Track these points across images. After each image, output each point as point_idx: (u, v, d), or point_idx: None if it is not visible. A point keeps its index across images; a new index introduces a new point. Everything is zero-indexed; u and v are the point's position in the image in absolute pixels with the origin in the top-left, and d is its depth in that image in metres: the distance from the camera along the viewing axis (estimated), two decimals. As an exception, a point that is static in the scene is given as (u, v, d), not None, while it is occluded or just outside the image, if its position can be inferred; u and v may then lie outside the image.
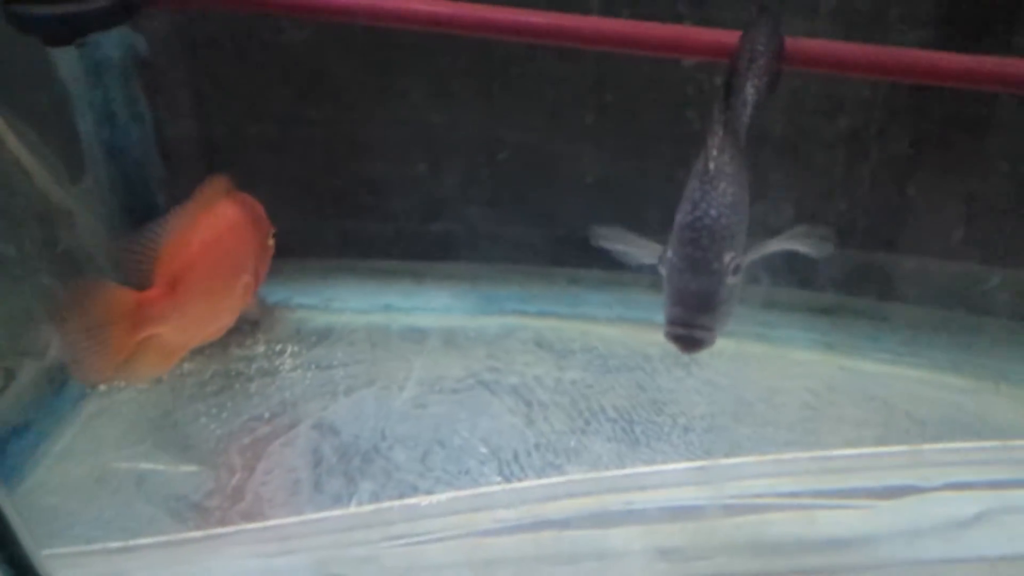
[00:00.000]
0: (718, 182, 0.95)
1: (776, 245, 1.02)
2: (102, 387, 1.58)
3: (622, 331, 1.80)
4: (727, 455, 1.42)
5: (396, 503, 1.30)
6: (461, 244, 1.97)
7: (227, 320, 1.41)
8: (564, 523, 1.24)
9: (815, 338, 1.78)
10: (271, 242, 1.46)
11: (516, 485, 1.33)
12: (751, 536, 1.22)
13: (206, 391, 1.60)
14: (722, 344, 1.74)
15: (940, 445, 1.37)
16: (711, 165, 0.96)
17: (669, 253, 0.93)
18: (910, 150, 1.73)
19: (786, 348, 1.76)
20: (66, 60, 1.65)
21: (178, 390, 1.60)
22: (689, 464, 1.36)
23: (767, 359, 1.73)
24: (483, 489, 1.31)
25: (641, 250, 1.02)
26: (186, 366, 1.66)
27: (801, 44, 1.27)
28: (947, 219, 1.74)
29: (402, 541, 1.21)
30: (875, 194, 1.78)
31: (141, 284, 1.18)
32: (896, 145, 1.73)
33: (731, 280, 0.91)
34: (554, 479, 1.34)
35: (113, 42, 1.74)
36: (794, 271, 1.86)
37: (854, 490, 1.27)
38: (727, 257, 0.90)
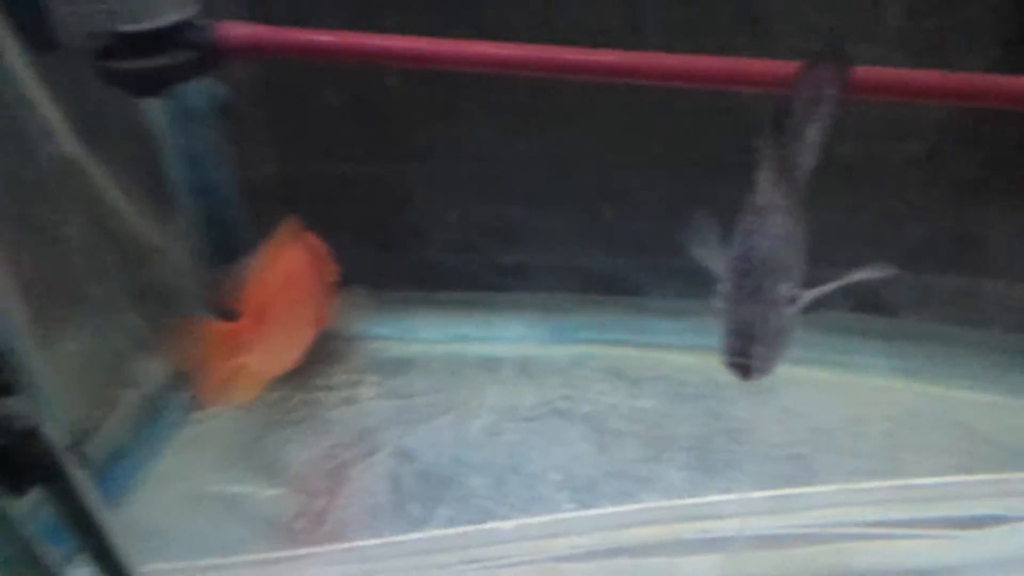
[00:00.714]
0: (770, 215, 0.96)
1: (835, 285, 1.03)
2: (195, 415, 1.66)
3: (695, 359, 1.80)
4: (806, 484, 1.40)
5: (473, 528, 1.33)
6: (533, 274, 2.00)
7: (301, 351, 1.50)
8: (638, 550, 1.25)
9: (895, 365, 1.74)
10: (334, 280, 1.57)
11: (590, 512, 1.34)
12: (829, 566, 1.21)
13: (291, 418, 1.66)
14: (798, 372, 1.76)
15: (1025, 474, 1.33)
16: (762, 199, 0.97)
17: (724, 284, 0.95)
18: (986, 173, 1.69)
19: (865, 375, 1.74)
20: (154, 109, 1.75)
21: (266, 417, 1.67)
22: (767, 493, 1.35)
23: (845, 386, 1.71)
24: (558, 515, 1.33)
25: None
26: (273, 395, 1.73)
27: (867, 73, 1.27)
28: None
29: (478, 565, 1.24)
30: (955, 218, 1.75)
31: (230, 317, 1.29)
32: (972, 168, 1.71)
33: (786, 310, 0.92)
34: (629, 506, 1.35)
35: (198, 91, 1.84)
36: (873, 298, 1.84)
37: (937, 519, 1.25)
38: (781, 288, 0.92)
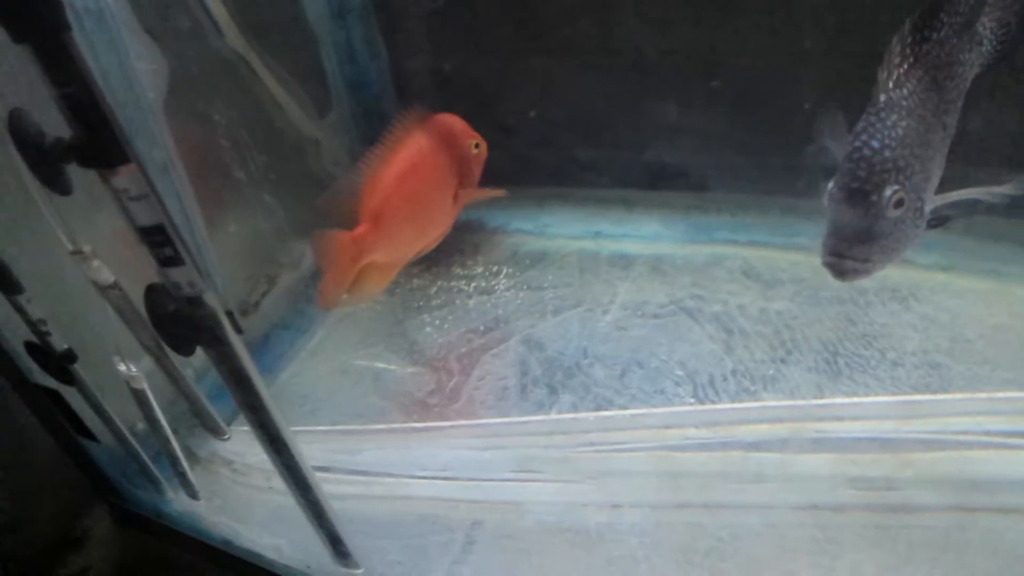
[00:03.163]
0: (888, 114, 0.92)
1: (960, 195, 0.99)
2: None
3: (836, 263, 1.76)
4: (936, 392, 1.37)
5: (593, 414, 1.39)
6: (673, 173, 1.99)
7: (439, 232, 1.55)
8: (753, 445, 1.28)
9: (1053, 275, 1.64)
10: (476, 150, 1.57)
11: (708, 406, 1.37)
12: (947, 472, 1.19)
13: (431, 304, 1.77)
14: (946, 278, 1.69)
15: None
16: (882, 97, 0.94)
17: (831, 184, 0.93)
18: None
19: (1015, 284, 1.64)
20: (313, 5, 1.83)
21: (408, 302, 1.78)
22: (891, 398, 1.34)
23: (995, 295, 1.62)
24: (675, 408, 1.37)
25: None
26: (415, 281, 1.85)
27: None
28: None
29: (595, 448, 1.31)
30: None
31: (351, 223, 1.36)
32: None
33: (892, 214, 0.89)
34: (747, 403, 1.37)
35: (354, -15, 1.91)
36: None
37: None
38: (888, 191, 0.89)
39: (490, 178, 1.95)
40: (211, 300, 0.90)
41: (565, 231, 1.99)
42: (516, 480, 1.28)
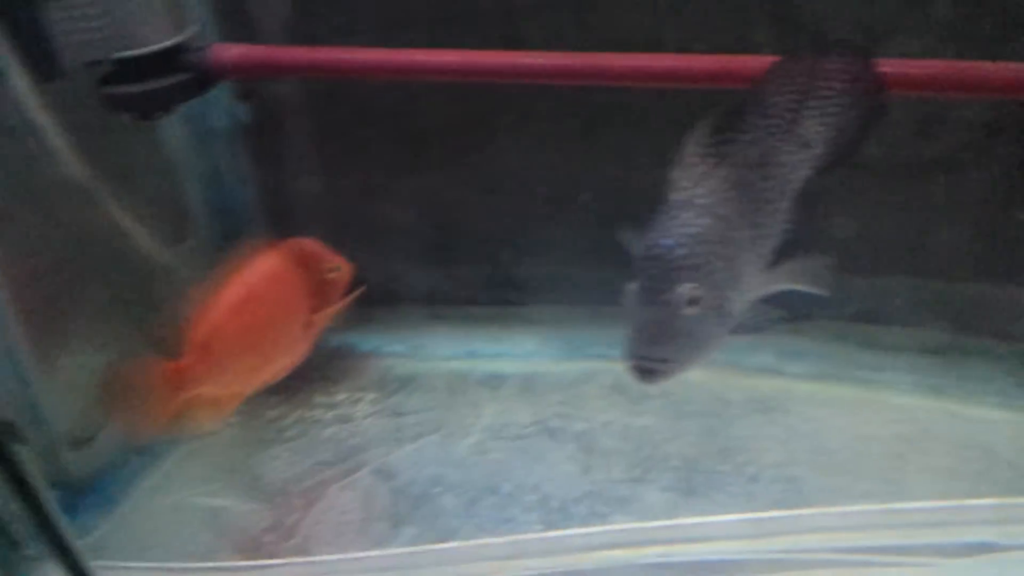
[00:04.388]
0: (681, 213, 0.90)
1: (771, 281, 0.96)
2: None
3: (705, 376, 1.72)
4: (791, 507, 1.31)
5: (431, 547, 1.30)
6: (548, 288, 1.96)
7: (289, 361, 1.47)
8: (594, 573, 1.19)
9: (919, 380, 1.62)
10: (333, 275, 1.50)
11: (550, 533, 1.29)
12: (795, 595, 1.12)
13: (284, 436, 1.68)
14: (814, 388, 1.66)
15: (1034, 499, 1.20)
16: (676, 196, 0.92)
17: (631, 283, 0.89)
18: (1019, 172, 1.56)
19: (887, 392, 1.62)
20: (173, 131, 1.81)
21: (261, 435, 1.69)
22: (740, 516, 1.27)
23: (862, 404, 1.60)
24: (518, 536, 1.29)
25: None
26: (271, 413, 1.76)
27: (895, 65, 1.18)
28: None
29: (427, 585, 1.21)
30: (985, 222, 1.61)
31: (171, 355, 1.27)
32: (1004, 167, 1.57)
33: (688, 312, 0.86)
34: (592, 528, 1.29)
35: (219, 112, 1.90)
36: (902, 310, 1.72)
37: (919, 547, 1.14)
38: (682, 289, 0.85)
39: (364, 300, 1.91)
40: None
41: (439, 352, 1.93)
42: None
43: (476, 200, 1.94)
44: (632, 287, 0.89)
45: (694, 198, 0.94)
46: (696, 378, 1.72)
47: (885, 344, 1.71)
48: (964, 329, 1.65)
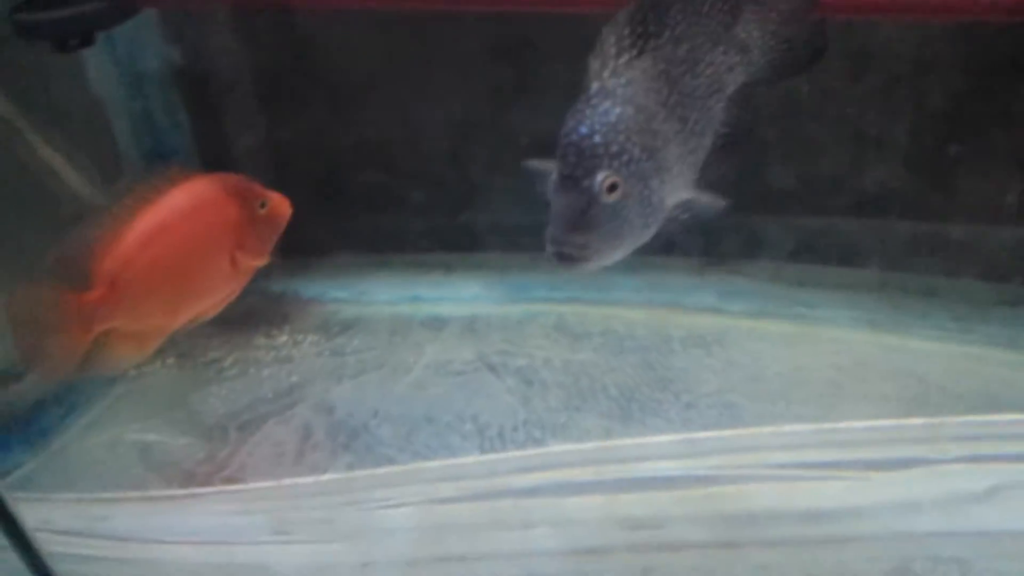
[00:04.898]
0: (600, 102, 0.89)
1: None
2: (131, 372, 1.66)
3: (648, 314, 1.73)
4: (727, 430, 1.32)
5: (363, 472, 1.29)
6: (492, 234, 1.95)
7: (217, 300, 1.39)
8: (525, 492, 1.19)
9: (857, 316, 1.63)
10: (264, 211, 1.40)
11: (484, 457, 1.29)
12: (721, 508, 1.12)
13: (224, 376, 1.65)
14: (753, 324, 1.67)
15: (964, 418, 1.22)
16: (594, 85, 0.91)
17: (552, 173, 0.88)
18: (955, 105, 1.57)
19: (825, 327, 1.63)
20: (98, 73, 1.76)
21: (199, 375, 1.66)
22: (673, 436, 1.28)
23: (799, 338, 1.61)
24: (450, 460, 1.28)
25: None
26: (211, 354, 1.73)
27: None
28: (1000, 182, 1.57)
29: (359, 507, 1.20)
30: (919, 157, 1.63)
31: (78, 286, 1.16)
32: (938, 99, 1.58)
33: (607, 199, 0.85)
34: (525, 451, 1.29)
35: (150, 54, 1.85)
36: (839, 247, 1.73)
37: (849, 462, 1.16)
38: (600, 175, 0.85)
39: (308, 247, 1.88)
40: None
41: (382, 297, 1.91)
42: (266, 543, 1.15)
43: (418, 147, 1.92)
44: (552, 175, 0.88)
45: (614, 88, 0.92)
46: (637, 317, 1.73)
47: (824, 282, 1.73)
48: (902, 267, 1.67)
